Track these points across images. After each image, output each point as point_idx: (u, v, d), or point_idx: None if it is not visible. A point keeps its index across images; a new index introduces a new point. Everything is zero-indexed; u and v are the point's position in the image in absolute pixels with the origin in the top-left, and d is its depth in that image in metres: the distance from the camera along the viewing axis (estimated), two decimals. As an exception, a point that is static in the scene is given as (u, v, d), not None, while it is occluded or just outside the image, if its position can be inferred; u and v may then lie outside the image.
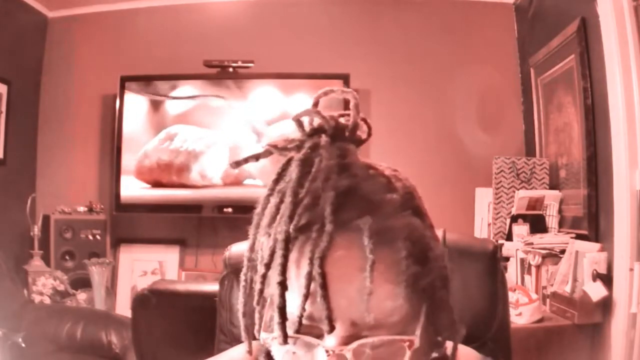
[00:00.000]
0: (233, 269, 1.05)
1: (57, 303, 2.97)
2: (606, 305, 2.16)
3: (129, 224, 3.36)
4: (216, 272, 3.01)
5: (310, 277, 0.52)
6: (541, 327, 2.22)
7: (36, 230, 3.13)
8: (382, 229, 0.54)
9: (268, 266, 0.55)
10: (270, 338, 0.55)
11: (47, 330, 2.55)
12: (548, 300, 2.38)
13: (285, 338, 0.52)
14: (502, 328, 1.04)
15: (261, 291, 0.56)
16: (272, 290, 0.54)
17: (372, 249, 0.52)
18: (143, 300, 1.79)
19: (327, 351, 0.52)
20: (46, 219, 3.22)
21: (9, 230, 3.05)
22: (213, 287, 1.27)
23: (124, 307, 3.13)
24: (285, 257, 0.53)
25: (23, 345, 2.46)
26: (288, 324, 0.53)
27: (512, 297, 2.20)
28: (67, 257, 3.21)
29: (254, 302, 0.58)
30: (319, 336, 0.54)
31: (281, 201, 0.57)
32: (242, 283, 0.61)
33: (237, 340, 1.03)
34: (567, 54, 2.57)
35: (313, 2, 3.37)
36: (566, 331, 2.22)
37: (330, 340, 0.53)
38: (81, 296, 3.05)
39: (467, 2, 3.29)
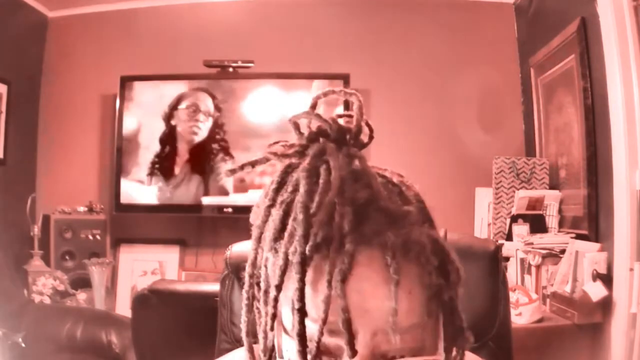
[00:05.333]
0: (234, 269, 1.05)
1: (57, 303, 2.97)
2: (606, 305, 2.16)
3: (129, 224, 3.36)
4: (216, 272, 3.01)
5: (329, 301, 0.48)
6: (541, 327, 2.22)
7: (36, 230, 3.13)
8: (405, 244, 0.50)
9: (279, 288, 0.51)
10: None
11: (47, 330, 2.55)
12: (548, 300, 2.39)
13: None
14: (503, 328, 1.04)
15: (274, 315, 0.52)
16: (287, 315, 0.51)
17: (397, 268, 0.49)
18: (143, 300, 1.79)
19: None
20: (46, 219, 3.22)
21: (9, 230, 3.05)
22: (213, 287, 1.27)
23: (124, 307, 3.13)
24: (303, 282, 0.49)
25: (23, 345, 2.46)
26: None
27: (512, 297, 2.20)
28: (67, 257, 3.21)
29: (267, 327, 0.54)
30: (338, 356, 0.50)
31: (286, 214, 0.53)
32: (245, 301, 0.58)
33: (238, 341, 1.03)
34: (567, 54, 2.57)
35: (313, 2, 3.37)
36: (566, 331, 2.21)
37: None
38: (81, 296, 3.05)
39: (467, 2, 3.29)
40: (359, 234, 0.50)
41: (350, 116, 0.57)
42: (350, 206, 0.50)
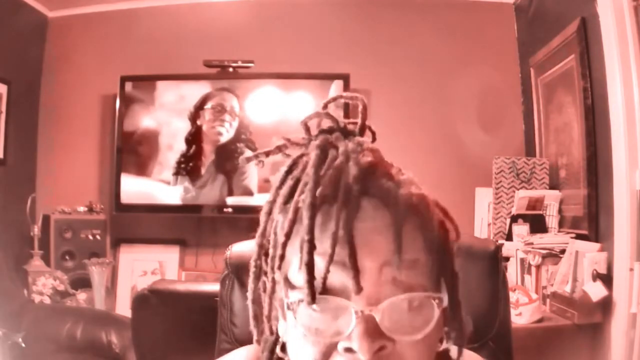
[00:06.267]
0: (234, 269, 1.05)
1: (57, 303, 2.97)
2: (606, 305, 2.16)
3: (129, 224, 3.36)
4: (216, 272, 3.01)
5: (336, 237, 0.51)
6: (541, 327, 2.22)
7: (36, 230, 3.13)
8: (409, 195, 0.55)
9: (288, 235, 0.55)
10: (296, 301, 0.54)
11: (47, 330, 2.55)
12: (548, 300, 2.39)
13: (313, 296, 0.52)
14: (503, 328, 1.04)
15: (282, 257, 0.55)
16: (294, 267, 0.54)
17: (400, 210, 0.54)
18: (143, 300, 1.79)
19: (356, 312, 0.52)
20: (46, 219, 3.22)
21: (9, 230, 3.05)
22: (213, 287, 1.27)
23: (124, 307, 3.13)
24: (313, 218, 0.52)
25: (23, 345, 2.46)
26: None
27: (512, 297, 2.20)
28: (67, 257, 3.21)
29: (273, 289, 0.57)
30: (346, 298, 0.53)
31: (295, 184, 0.57)
32: (252, 269, 0.61)
33: (238, 340, 1.03)
34: (567, 54, 2.57)
35: (313, 2, 3.37)
36: (566, 331, 2.22)
37: (358, 302, 0.52)
38: (81, 296, 3.04)
39: (467, 2, 3.29)
40: (366, 185, 0.54)
41: (355, 123, 0.62)
42: (357, 167, 0.55)
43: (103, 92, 3.38)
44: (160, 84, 3.25)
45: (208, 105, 3.21)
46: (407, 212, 0.54)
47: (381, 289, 0.52)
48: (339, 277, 0.52)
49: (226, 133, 3.21)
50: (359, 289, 0.51)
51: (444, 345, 0.59)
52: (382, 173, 0.56)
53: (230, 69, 3.23)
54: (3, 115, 3.09)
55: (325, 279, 0.52)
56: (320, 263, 0.52)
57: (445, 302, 0.55)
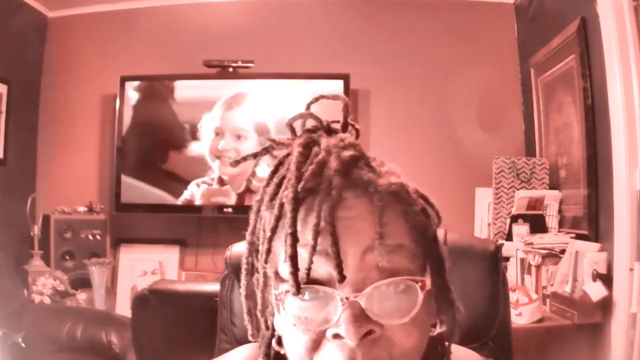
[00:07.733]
0: (234, 269, 1.05)
1: (57, 303, 2.97)
2: (606, 305, 2.16)
3: (129, 224, 3.36)
4: (216, 272, 3.01)
5: (318, 228, 0.53)
6: (541, 327, 2.22)
7: (36, 230, 3.13)
8: (389, 184, 0.56)
9: (274, 230, 0.56)
10: (283, 292, 0.56)
11: (47, 330, 2.55)
12: (548, 300, 2.39)
13: (298, 287, 0.53)
14: (503, 328, 1.04)
15: (268, 250, 0.57)
16: (281, 247, 0.55)
17: (381, 197, 0.54)
18: (143, 300, 1.79)
19: (341, 299, 0.53)
20: (46, 219, 3.22)
21: (9, 230, 3.05)
22: (213, 287, 1.27)
23: (124, 307, 3.13)
24: (295, 211, 0.54)
25: (23, 345, 2.46)
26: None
27: (512, 297, 2.20)
28: (67, 257, 3.21)
29: (265, 281, 0.59)
30: (331, 287, 0.54)
31: (281, 182, 0.58)
32: (244, 266, 0.62)
33: (238, 340, 1.03)
34: (567, 54, 2.57)
35: (313, 2, 3.37)
36: (566, 331, 2.22)
37: (344, 289, 0.53)
38: (81, 296, 3.04)
39: (467, 2, 3.29)
40: (347, 178, 0.56)
41: (339, 121, 0.64)
42: (337, 160, 0.56)
43: (103, 92, 3.38)
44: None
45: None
46: (387, 199, 0.55)
47: (365, 275, 0.53)
48: (324, 267, 0.53)
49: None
50: (342, 278, 0.52)
51: (438, 330, 0.60)
52: (363, 165, 0.57)
53: (230, 69, 3.23)
54: (3, 115, 3.09)
55: (309, 269, 0.53)
56: (305, 254, 0.53)
57: (429, 285, 0.56)
